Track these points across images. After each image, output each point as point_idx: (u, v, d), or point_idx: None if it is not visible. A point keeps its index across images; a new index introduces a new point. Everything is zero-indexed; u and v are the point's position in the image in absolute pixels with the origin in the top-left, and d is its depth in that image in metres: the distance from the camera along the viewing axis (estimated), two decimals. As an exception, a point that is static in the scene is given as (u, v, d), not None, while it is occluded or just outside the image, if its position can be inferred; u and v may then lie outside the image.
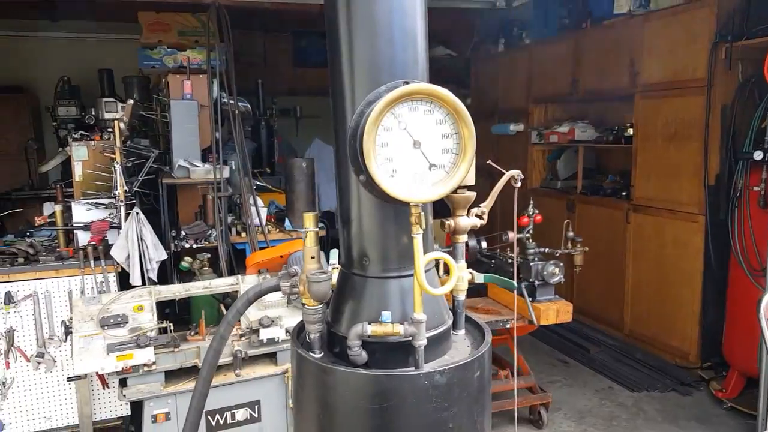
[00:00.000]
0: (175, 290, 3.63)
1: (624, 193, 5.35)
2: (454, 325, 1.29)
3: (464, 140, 1.04)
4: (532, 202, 3.76)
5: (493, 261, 3.98)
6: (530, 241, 3.74)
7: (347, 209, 1.20)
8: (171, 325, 3.24)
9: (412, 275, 1.09)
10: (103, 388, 3.78)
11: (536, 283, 3.68)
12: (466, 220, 1.28)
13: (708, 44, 4.35)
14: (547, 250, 3.80)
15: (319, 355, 1.20)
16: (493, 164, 1.32)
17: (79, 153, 4.04)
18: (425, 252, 1.10)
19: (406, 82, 1.04)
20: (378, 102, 1.00)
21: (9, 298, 3.54)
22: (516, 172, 1.30)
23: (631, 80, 5.09)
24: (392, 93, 0.98)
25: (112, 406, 3.84)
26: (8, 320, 3.58)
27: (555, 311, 3.65)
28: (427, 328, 1.11)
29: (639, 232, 5.14)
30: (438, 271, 1.31)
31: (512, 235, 3.70)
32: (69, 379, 3.43)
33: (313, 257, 1.20)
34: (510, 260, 3.91)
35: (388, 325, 1.10)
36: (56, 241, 4.00)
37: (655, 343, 5.00)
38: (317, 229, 1.20)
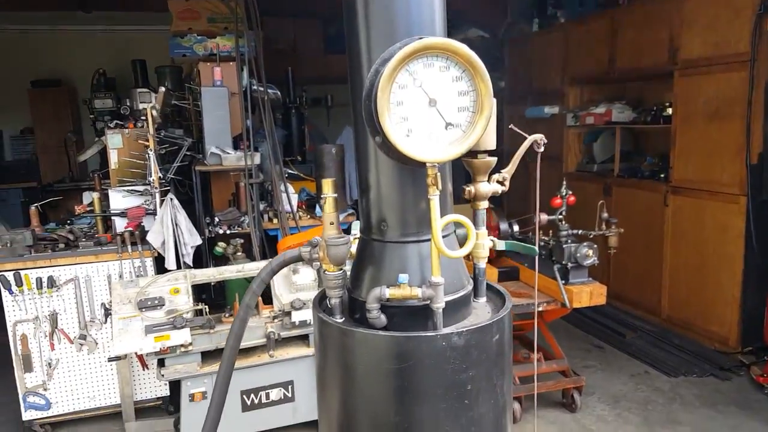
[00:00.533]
0: (210, 274, 3.71)
1: (662, 175, 5.19)
2: (475, 293, 1.28)
3: (481, 97, 1.02)
4: (564, 182, 3.68)
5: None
6: (563, 222, 3.67)
7: (365, 176, 1.20)
8: (206, 307, 3.31)
9: (430, 240, 1.08)
10: (143, 369, 3.90)
11: (569, 265, 3.61)
12: (486, 186, 1.26)
13: (752, 16, 4.16)
14: (580, 231, 3.73)
15: (341, 320, 1.21)
16: (516, 128, 1.29)
17: (114, 141, 4.14)
18: (443, 215, 1.09)
19: (421, 38, 1.02)
20: (392, 58, 0.99)
21: (51, 283, 3.68)
22: (539, 136, 1.27)
23: (670, 57, 4.90)
24: (406, 48, 0.97)
25: (152, 387, 3.96)
26: (51, 303, 3.71)
27: (588, 294, 3.58)
28: (445, 293, 1.11)
29: (678, 214, 4.98)
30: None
31: (543, 217, 3.65)
32: (110, 359, 3.54)
33: (332, 223, 1.20)
34: (543, 243, 3.85)
35: (407, 287, 1.09)
36: (95, 227, 4.12)
37: (694, 328, 4.85)
38: (335, 195, 1.20)
